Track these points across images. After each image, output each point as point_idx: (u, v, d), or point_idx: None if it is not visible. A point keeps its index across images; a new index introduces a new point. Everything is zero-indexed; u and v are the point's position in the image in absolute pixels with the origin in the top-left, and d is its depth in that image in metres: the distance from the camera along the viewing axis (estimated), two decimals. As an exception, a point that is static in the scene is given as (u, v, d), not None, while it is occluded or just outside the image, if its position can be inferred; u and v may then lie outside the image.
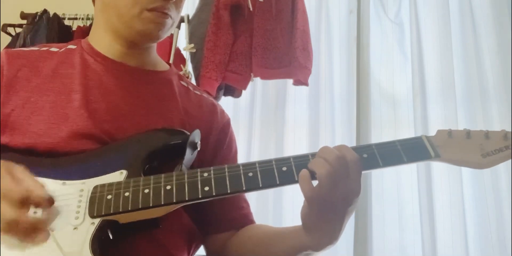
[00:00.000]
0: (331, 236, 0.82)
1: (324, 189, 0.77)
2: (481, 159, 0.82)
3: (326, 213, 0.80)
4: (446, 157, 0.83)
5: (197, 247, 1.05)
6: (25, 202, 0.75)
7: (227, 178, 0.82)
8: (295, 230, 0.87)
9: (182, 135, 0.93)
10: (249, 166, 0.83)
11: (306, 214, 0.81)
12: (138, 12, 0.95)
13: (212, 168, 0.84)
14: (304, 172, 0.79)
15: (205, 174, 0.83)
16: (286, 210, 2.34)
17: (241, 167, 0.83)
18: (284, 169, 0.82)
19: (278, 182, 0.81)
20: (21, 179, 0.78)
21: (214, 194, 0.81)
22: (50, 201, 0.79)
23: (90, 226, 0.80)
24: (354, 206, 0.81)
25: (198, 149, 0.96)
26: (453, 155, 0.83)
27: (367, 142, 2.37)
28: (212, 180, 0.82)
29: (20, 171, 0.80)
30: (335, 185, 0.78)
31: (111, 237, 0.82)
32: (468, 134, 0.84)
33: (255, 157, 2.44)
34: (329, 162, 0.78)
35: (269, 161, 0.84)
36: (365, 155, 0.83)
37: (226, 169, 0.84)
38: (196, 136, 0.95)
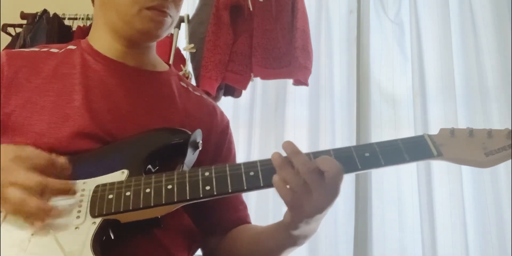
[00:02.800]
0: (312, 231, 0.86)
1: (300, 196, 0.77)
2: (484, 157, 0.81)
3: (308, 217, 0.80)
4: (448, 156, 0.83)
5: (197, 247, 1.05)
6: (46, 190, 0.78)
7: (228, 177, 0.82)
8: (276, 230, 0.89)
9: (183, 135, 0.93)
10: (250, 165, 0.83)
11: (290, 221, 0.82)
12: (138, 11, 0.95)
13: (213, 167, 0.84)
14: (275, 178, 0.79)
15: (206, 173, 0.83)
16: (286, 210, 2.33)
17: (242, 166, 0.83)
18: None
19: None
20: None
21: (215, 193, 0.81)
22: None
23: (91, 225, 0.80)
24: (332, 204, 0.81)
25: (200, 148, 0.96)
26: (456, 153, 0.82)
27: (367, 142, 2.38)
28: (213, 179, 0.82)
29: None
30: (310, 193, 0.77)
31: (112, 237, 0.82)
32: (470, 132, 0.84)
33: (255, 157, 2.44)
34: (301, 173, 0.77)
35: (271, 160, 0.83)
36: (367, 154, 0.82)
37: (228, 168, 0.83)
38: (197, 136, 0.95)
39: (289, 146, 0.80)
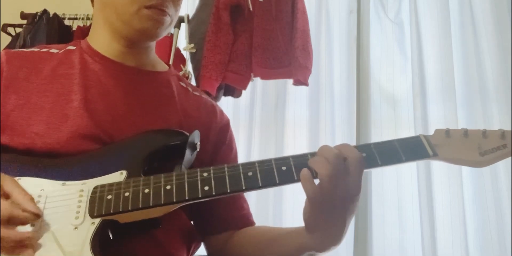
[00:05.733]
0: (334, 236, 0.82)
1: (325, 188, 0.77)
2: (479, 157, 0.82)
3: (327, 213, 0.80)
4: (444, 156, 0.84)
5: (196, 247, 1.05)
6: (11, 220, 0.76)
7: (227, 178, 0.82)
8: (297, 230, 0.87)
9: (181, 136, 0.94)
10: (249, 166, 0.84)
11: (308, 214, 0.81)
12: (136, 10, 0.96)
13: (211, 167, 0.85)
14: (305, 171, 0.79)
15: (205, 174, 0.83)
16: (286, 210, 2.34)
17: (240, 167, 0.84)
18: (284, 168, 0.82)
19: (277, 181, 0.81)
20: (9, 192, 0.79)
21: (214, 193, 0.82)
22: (37, 215, 0.78)
23: (90, 226, 0.80)
24: (355, 204, 0.81)
25: (198, 149, 0.96)
26: (451, 153, 0.84)
27: (367, 142, 2.38)
28: (212, 179, 0.83)
29: (8, 183, 0.80)
30: (336, 184, 0.77)
31: (111, 237, 0.83)
32: (465, 132, 0.85)
33: (255, 157, 2.44)
34: (329, 161, 0.78)
35: (269, 161, 0.84)
36: (364, 154, 0.82)
37: (226, 169, 0.84)
38: (195, 137, 0.95)
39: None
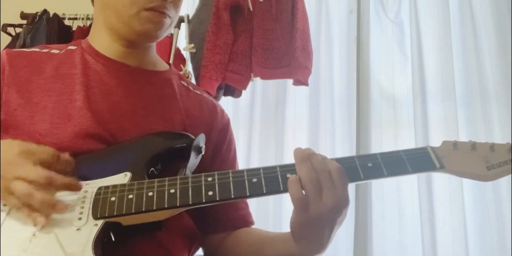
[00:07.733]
0: (319, 245, 0.83)
1: (309, 194, 0.78)
2: (486, 171, 0.82)
3: (313, 222, 0.80)
4: (450, 168, 0.83)
5: (197, 248, 1.05)
6: (53, 183, 0.79)
7: (231, 183, 0.82)
8: (285, 237, 0.88)
9: (187, 139, 0.94)
10: (253, 172, 0.84)
11: (294, 222, 0.82)
12: (137, 12, 0.95)
13: (216, 172, 0.85)
14: (292, 177, 0.80)
15: (209, 179, 0.83)
16: (286, 212, 2.33)
17: (245, 173, 0.84)
18: (288, 175, 0.82)
19: (282, 189, 0.81)
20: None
21: (217, 199, 0.82)
22: (79, 187, 0.83)
23: (93, 227, 0.80)
24: (343, 216, 0.81)
25: (203, 153, 0.96)
26: (458, 166, 0.83)
27: (367, 142, 2.39)
28: (216, 184, 0.83)
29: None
30: (320, 193, 0.78)
31: (113, 239, 0.82)
32: (473, 145, 0.84)
33: (255, 157, 2.44)
34: (318, 171, 0.78)
35: (274, 167, 0.84)
36: (370, 164, 0.83)
37: (230, 174, 0.84)
38: (201, 140, 0.95)
39: (303, 149, 0.82)
